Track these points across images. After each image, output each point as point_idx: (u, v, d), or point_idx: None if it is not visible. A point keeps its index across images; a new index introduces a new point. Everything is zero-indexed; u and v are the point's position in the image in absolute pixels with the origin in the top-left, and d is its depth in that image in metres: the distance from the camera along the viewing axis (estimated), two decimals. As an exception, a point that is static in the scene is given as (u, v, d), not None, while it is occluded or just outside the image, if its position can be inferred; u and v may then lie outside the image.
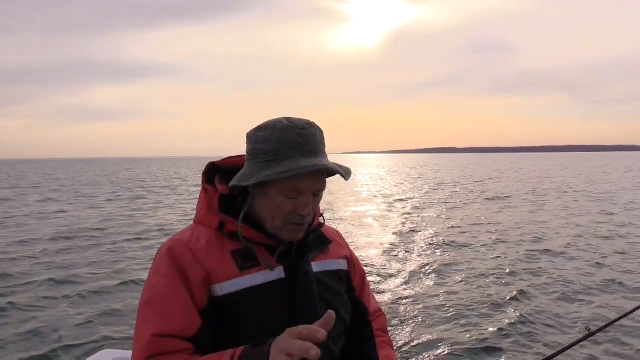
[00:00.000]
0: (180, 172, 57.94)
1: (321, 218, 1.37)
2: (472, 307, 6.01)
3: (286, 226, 1.21)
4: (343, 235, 1.52)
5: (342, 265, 1.38)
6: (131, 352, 2.16)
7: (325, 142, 1.24)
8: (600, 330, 2.40)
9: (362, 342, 1.39)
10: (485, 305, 6.06)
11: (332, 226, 1.49)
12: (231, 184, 1.22)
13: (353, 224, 13.17)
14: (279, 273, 1.21)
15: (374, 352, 1.37)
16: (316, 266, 1.29)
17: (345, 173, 1.20)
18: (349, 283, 1.41)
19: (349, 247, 1.47)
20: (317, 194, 1.22)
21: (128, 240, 11.05)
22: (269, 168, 1.15)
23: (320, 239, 1.34)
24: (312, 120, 1.23)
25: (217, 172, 1.31)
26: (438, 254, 9.17)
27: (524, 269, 7.84)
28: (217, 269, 1.17)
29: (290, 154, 1.15)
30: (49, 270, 8.20)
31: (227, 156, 1.35)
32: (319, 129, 1.22)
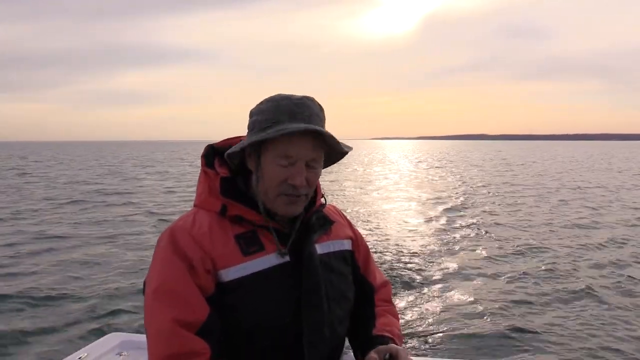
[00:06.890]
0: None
1: (323, 199, 1.34)
2: (489, 302, 5.83)
3: (279, 197, 1.19)
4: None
5: (346, 245, 1.37)
6: (137, 335, 2.08)
7: (326, 122, 1.23)
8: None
9: (364, 316, 1.38)
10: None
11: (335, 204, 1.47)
12: (227, 152, 1.22)
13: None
14: (283, 256, 1.20)
15: (372, 321, 1.35)
16: (320, 248, 1.27)
17: (340, 144, 1.19)
18: (354, 262, 1.39)
19: (351, 225, 1.44)
20: (312, 164, 1.19)
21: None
22: (261, 132, 1.17)
23: (323, 219, 1.32)
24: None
25: (216, 154, 1.29)
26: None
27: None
28: (222, 254, 1.15)
29: (283, 119, 1.15)
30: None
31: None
32: (319, 104, 1.22)
